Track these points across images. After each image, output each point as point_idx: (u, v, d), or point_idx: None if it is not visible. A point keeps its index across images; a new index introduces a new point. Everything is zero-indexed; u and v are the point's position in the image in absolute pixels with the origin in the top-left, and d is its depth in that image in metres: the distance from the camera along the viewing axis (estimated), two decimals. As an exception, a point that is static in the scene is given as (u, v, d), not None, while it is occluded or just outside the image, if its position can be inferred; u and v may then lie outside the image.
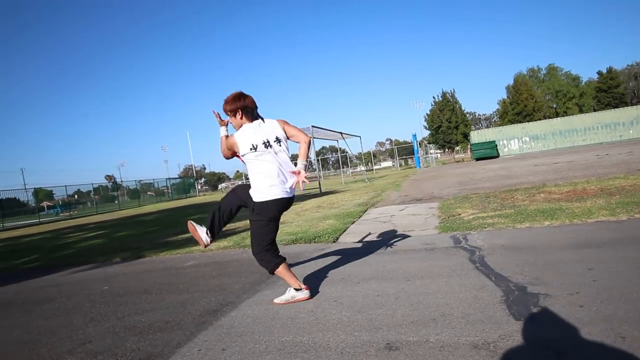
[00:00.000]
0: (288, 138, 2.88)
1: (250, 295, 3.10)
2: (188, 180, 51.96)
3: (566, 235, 3.68)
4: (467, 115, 41.37)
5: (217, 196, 33.35)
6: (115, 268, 5.11)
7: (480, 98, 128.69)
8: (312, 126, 14.28)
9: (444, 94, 39.60)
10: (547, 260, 2.98)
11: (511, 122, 40.80)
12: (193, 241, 6.39)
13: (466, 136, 37.67)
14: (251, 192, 2.82)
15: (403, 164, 45.19)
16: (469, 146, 37.59)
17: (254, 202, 2.78)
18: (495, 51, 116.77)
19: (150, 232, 8.96)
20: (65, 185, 29.80)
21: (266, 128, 2.81)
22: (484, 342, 1.82)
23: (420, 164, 33.89)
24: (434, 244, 4.12)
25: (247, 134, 2.76)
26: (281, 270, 2.83)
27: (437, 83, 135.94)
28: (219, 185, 78.77)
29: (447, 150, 43.81)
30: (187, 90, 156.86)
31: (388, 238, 4.77)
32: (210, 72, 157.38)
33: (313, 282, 3.23)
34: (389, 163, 69.16)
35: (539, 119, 35.74)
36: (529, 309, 2.10)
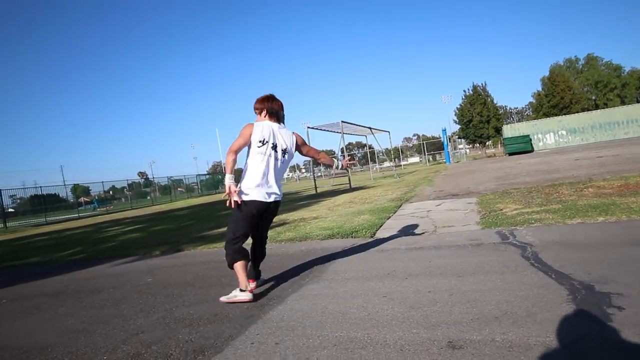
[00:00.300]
0: (302, 153, 3.21)
1: (295, 289, 3.07)
2: (216, 176, 52.91)
3: (625, 232, 3.46)
4: (499, 109, 40.02)
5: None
6: (156, 261, 5.22)
7: (512, 91, 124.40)
8: (342, 121, 14.19)
9: (474, 88, 38.50)
10: (609, 257, 2.80)
11: (546, 115, 39.23)
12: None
13: (498, 130, 36.54)
14: (240, 185, 2.96)
15: (431, 159, 44.34)
16: (501, 141, 36.40)
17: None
18: (527, 42, 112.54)
19: (185, 227, 9.15)
20: (102, 182, 30.97)
21: (283, 134, 3.03)
22: (560, 344, 1.70)
23: (450, 159, 33.15)
24: (479, 239, 3.97)
25: (265, 129, 2.95)
26: (238, 266, 2.91)
27: (466, 77, 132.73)
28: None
29: (477, 145, 42.65)
30: (215, 87, 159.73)
31: (428, 233, 4.65)
32: (240, 69, 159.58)
33: (358, 277, 3.17)
34: (416, 159, 68.10)
35: (577, 112, 34.13)
36: (602, 310, 1.96)
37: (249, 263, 3.07)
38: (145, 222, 12.78)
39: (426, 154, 42.37)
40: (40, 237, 12.42)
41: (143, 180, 56.07)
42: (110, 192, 39.34)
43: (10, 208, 27.85)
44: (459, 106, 38.83)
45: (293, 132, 3.15)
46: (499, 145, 50.50)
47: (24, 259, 7.02)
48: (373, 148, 38.24)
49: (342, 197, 11.47)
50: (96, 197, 36.86)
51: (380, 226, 5.57)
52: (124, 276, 4.48)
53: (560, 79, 41.14)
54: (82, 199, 38.06)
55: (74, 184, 35.90)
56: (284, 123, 3.12)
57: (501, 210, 5.44)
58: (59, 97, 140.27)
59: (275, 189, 2.99)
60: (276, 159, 2.96)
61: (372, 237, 4.93)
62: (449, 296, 2.46)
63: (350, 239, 4.97)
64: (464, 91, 38.80)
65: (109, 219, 17.90)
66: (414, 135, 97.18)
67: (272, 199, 2.99)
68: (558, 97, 40.87)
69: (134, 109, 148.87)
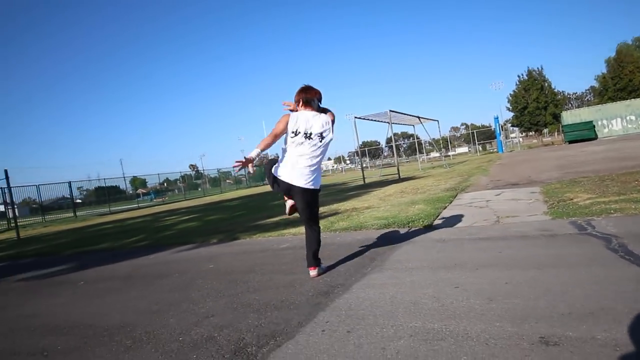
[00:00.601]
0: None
1: (359, 278, 3.01)
2: (262, 168, 54.02)
3: None
4: (557, 94, 37.24)
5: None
6: (215, 248, 5.38)
7: (571, 76, 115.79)
8: (390, 110, 13.87)
9: (529, 72, 36.15)
10: None
11: (612, 99, 36.06)
12: (283, 224, 6.54)
13: (556, 117, 34.14)
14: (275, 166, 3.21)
15: (480, 149, 42.40)
16: (559, 128, 34.03)
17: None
18: (587, 22, 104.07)
19: (238, 216, 9.38)
20: (158, 174, 32.62)
21: (318, 121, 3.09)
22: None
23: (503, 148, 31.54)
24: (551, 230, 3.70)
25: (299, 119, 3.07)
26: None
27: (517, 62, 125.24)
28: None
29: (533, 133, 40.15)
30: (262, 81, 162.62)
31: (491, 223, 4.41)
32: (285, 61, 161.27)
33: (423, 267, 3.05)
34: (464, 149, 65.50)
35: (648, 95, 31.05)
36: None
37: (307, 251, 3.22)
38: (199, 212, 13.28)
39: (476, 143, 40.61)
40: (106, 225, 13.30)
41: (194, 172, 58.50)
42: (165, 184, 41.44)
43: (78, 199, 30.17)
44: (512, 92, 36.64)
45: (328, 113, 3.21)
46: (556, 133, 47.32)
47: (95, 245, 7.52)
48: (419, 138, 37.23)
49: (392, 187, 11.25)
50: (152, 189, 38.98)
51: (437, 216, 5.37)
52: (186, 262, 4.65)
53: (629, 59, 37.51)
54: (140, 191, 40.41)
55: (133, 177, 38.18)
56: (322, 110, 3.22)
57: (571, 199, 5.06)
58: (116, 94, 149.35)
59: (302, 175, 3.04)
60: (312, 145, 3.05)
61: (429, 226, 4.77)
62: (530, 289, 2.28)
63: (407, 228, 4.84)
64: (518, 76, 36.54)
65: (165, 209, 18.83)
66: (461, 124, 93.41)
67: (296, 184, 3.04)
68: (626, 79, 37.31)
69: (184, 102, 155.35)
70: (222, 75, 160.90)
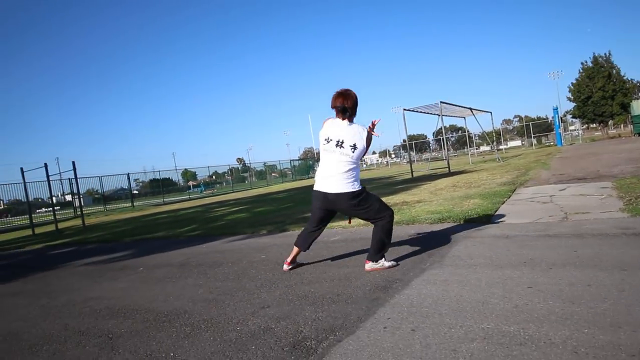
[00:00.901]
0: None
1: (418, 273, 2.86)
2: (308, 161, 54.43)
3: None
4: (626, 82, 34.03)
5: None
6: (265, 239, 5.41)
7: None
8: (441, 102, 13.33)
9: (595, 59, 33.33)
10: None
11: (691, 86, 32.53)
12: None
13: (625, 107, 31.29)
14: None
15: (535, 142, 39.93)
16: (629, 119, 31.21)
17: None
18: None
19: (285, 208, 9.45)
20: (208, 167, 33.80)
21: (350, 131, 3.05)
22: None
23: (562, 141, 29.51)
24: (634, 228, 3.33)
25: (330, 127, 3.09)
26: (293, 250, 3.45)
27: (577, 50, 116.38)
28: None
29: (596, 124, 37.12)
30: (307, 75, 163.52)
31: (558, 220, 4.07)
32: (330, 56, 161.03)
33: (487, 264, 2.84)
34: (517, 142, 62.19)
35: None
36: None
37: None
38: (247, 203, 13.56)
39: (532, 136, 38.29)
40: (160, 215, 13.94)
41: (241, 165, 60.15)
42: (213, 177, 42.93)
43: (135, 190, 32.01)
44: (574, 81, 33.99)
45: (365, 128, 3.11)
46: (622, 125, 43.50)
47: (152, 233, 7.87)
48: (469, 131, 35.78)
49: (442, 181, 10.84)
50: (202, 181, 40.52)
51: (496, 211, 5.06)
52: (238, 252, 4.70)
53: None
54: (190, 183, 42.17)
55: (184, 169, 39.89)
56: (352, 117, 3.16)
57: (652, 195, 4.56)
58: (170, 90, 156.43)
59: (334, 182, 3.03)
60: (342, 154, 3.02)
61: (487, 222, 4.49)
62: (619, 292, 2.03)
63: (464, 223, 4.59)
64: (582, 64, 33.74)
65: (215, 201, 19.45)
66: (515, 116, 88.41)
67: (329, 190, 3.06)
68: None
69: (232, 95, 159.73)
70: (268, 69, 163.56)
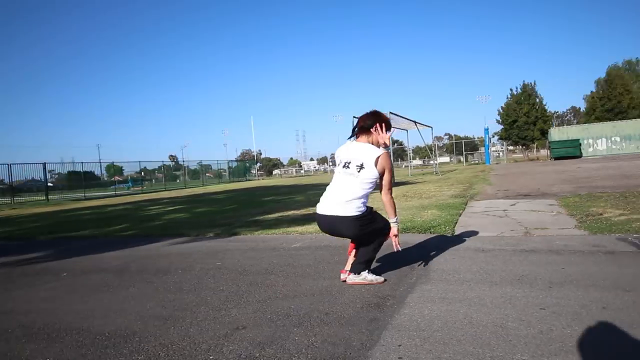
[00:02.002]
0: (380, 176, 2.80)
1: (408, 289, 2.57)
2: (245, 164, 53.18)
3: None
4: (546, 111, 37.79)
5: (274, 181, 33.60)
6: (215, 243, 4.85)
7: (555, 94, 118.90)
8: (390, 112, 13.52)
9: (524, 86, 36.60)
10: None
11: (599, 119, 36.88)
12: (286, 222, 6.06)
13: (544, 133, 34.66)
14: None
15: (464, 160, 42.84)
16: (546, 144, 34.55)
17: None
18: (576, 45, 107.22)
19: (229, 210, 8.83)
20: (139, 161, 31.41)
21: (356, 150, 2.83)
22: None
23: (490, 160, 31.82)
24: (603, 246, 3.36)
25: (341, 148, 2.93)
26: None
27: (501, 78, 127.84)
28: (274, 171, 79.89)
29: (520, 147, 40.60)
30: (250, 78, 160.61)
31: (521, 234, 4.08)
32: (283, 57, 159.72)
33: (480, 280, 2.64)
34: (445, 158, 66.38)
35: (634, 118, 31.72)
36: None
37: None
38: (184, 203, 12.60)
39: (463, 153, 40.91)
40: (83, 211, 12.45)
41: (173, 163, 57.05)
42: (142, 173, 40.06)
43: (50, 182, 28.67)
44: (503, 105, 37.01)
45: (379, 155, 2.75)
46: (538, 148, 48.11)
47: (75, 231, 6.84)
48: (403, 145, 37.30)
49: (390, 190, 10.88)
50: (129, 177, 37.59)
51: (456, 223, 5.01)
52: (187, 257, 4.11)
53: (619, 81, 38.34)
54: (115, 178, 38.92)
55: (108, 163, 36.73)
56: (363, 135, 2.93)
57: (601, 214, 4.78)
58: (96, 75, 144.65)
59: (335, 204, 2.73)
60: (349, 174, 2.76)
61: (452, 234, 4.39)
62: (632, 313, 1.90)
63: (429, 234, 4.45)
64: (511, 90, 36.92)
65: (146, 198, 17.96)
66: (445, 134, 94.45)
67: (326, 212, 2.76)
68: (615, 100, 38.15)
69: (165, 88, 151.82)
70: (211, 68, 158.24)
